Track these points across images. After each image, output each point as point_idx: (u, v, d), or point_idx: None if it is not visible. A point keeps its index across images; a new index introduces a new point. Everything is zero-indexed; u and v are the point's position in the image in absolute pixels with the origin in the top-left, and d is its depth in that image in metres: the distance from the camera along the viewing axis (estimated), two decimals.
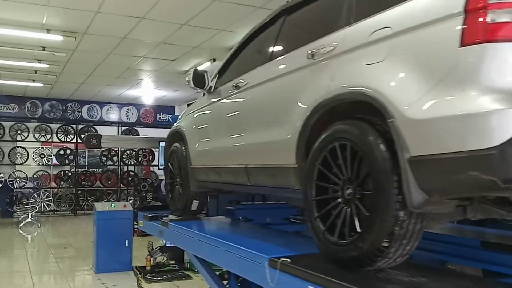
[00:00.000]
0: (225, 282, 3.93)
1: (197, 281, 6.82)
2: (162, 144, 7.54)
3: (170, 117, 17.41)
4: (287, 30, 3.28)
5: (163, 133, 16.06)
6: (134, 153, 15.80)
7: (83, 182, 15.67)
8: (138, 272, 7.01)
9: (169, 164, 4.88)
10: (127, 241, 7.24)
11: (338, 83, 2.43)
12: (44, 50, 8.83)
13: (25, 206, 12.98)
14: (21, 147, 15.14)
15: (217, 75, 4.15)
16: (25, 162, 15.05)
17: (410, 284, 2.18)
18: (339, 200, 2.39)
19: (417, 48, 2.06)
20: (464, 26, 1.85)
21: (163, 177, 15.34)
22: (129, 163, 15.96)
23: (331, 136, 2.44)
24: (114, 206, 7.36)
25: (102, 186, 15.95)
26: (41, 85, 12.64)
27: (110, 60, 9.84)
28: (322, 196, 2.51)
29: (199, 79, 4.10)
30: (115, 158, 15.94)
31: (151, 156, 15.30)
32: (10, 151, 15.04)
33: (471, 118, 1.79)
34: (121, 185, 16.03)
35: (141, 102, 15.96)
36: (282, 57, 3.09)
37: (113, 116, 16.46)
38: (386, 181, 2.09)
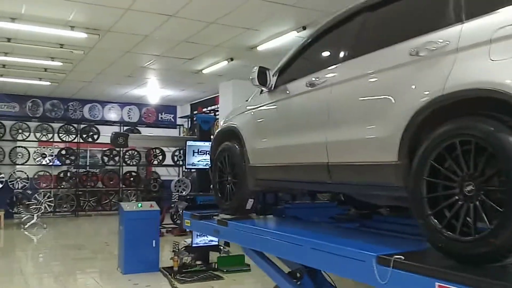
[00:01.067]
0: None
1: (229, 281, 6.77)
2: (189, 143, 7.51)
3: (172, 117, 17.34)
4: (371, 27, 3.27)
5: (165, 132, 16.05)
6: (136, 153, 15.62)
7: (84, 183, 15.46)
8: (168, 273, 6.93)
9: (218, 163, 4.84)
10: (154, 241, 7.14)
11: (458, 80, 2.42)
12: (61, 47, 8.68)
13: (30, 207, 12.74)
14: (22, 146, 14.87)
15: (278, 73, 4.12)
16: (26, 162, 14.79)
17: None
18: (457, 197, 2.40)
19: None
20: None
21: (165, 177, 15.40)
22: (131, 163, 15.77)
23: (450, 132, 2.43)
24: (141, 206, 7.26)
25: (103, 186, 15.76)
26: (48, 83, 12.43)
27: (126, 58, 9.73)
28: (435, 193, 2.50)
29: (262, 76, 4.07)
30: (116, 158, 15.75)
31: (161, 156, 15.10)
32: (11, 151, 14.77)
33: None
34: (123, 186, 15.85)
35: (143, 101, 15.83)
36: (373, 54, 3.06)
37: (114, 115, 16.28)
38: None
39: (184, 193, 11.63)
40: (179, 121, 17.08)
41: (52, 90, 13.83)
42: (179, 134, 16.55)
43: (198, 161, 7.54)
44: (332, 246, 2.96)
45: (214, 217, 4.67)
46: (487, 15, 2.39)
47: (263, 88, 4.20)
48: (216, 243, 7.55)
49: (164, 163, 15.26)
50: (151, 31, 7.78)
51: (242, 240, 4.10)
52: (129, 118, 16.47)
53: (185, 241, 7.80)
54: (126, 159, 15.76)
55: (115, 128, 16.19)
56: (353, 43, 3.31)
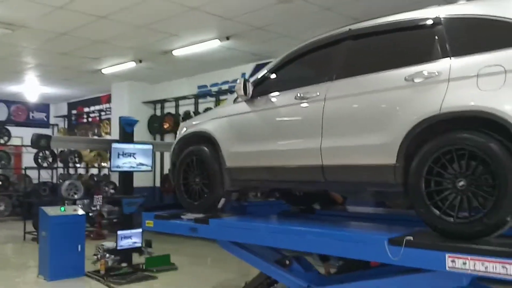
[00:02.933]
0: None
1: (164, 280, 6.94)
2: (115, 145, 7.47)
3: (45, 116, 16.25)
4: (367, 51, 3.97)
5: (36, 132, 14.96)
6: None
7: None
8: (97, 277, 6.83)
9: (183, 165, 5.11)
10: (79, 246, 6.96)
11: (452, 102, 3.22)
12: None
13: None
14: None
15: (255, 85, 4.60)
16: None
17: None
18: (450, 189, 3.20)
19: None
20: None
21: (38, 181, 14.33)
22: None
23: (447, 141, 3.22)
24: (64, 210, 6.99)
25: None
26: None
27: (24, 54, 9.13)
28: (434, 188, 3.28)
29: (244, 88, 4.52)
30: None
31: (77, 158, 13.98)
32: None
33: None
34: None
35: (15, 98, 14.59)
36: (370, 75, 3.75)
37: None
38: (511, 176, 2.96)
39: (76, 196, 11.19)
40: (53, 120, 16.08)
41: None
42: (53, 134, 15.59)
43: (123, 163, 7.50)
44: (343, 234, 3.59)
45: (182, 216, 4.97)
46: (472, 55, 3.24)
47: (240, 98, 4.64)
48: (140, 245, 7.61)
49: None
50: (67, 30, 7.53)
51: (228, 236, 4.49)
52: None
53: (102, 244, 7.69)
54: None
55: None
56: (348, 64, 3.97)
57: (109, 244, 7.55)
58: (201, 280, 6.87)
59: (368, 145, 3.65)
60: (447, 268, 3.01)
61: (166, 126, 11.63)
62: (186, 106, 11.48)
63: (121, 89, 12.09)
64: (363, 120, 3.73)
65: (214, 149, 4.84)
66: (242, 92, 4.50)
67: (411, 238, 3.23)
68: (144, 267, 7.35)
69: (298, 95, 4.16)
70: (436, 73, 3.35)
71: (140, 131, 10.43)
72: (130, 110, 11.91)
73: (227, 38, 8.12)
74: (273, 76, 4.60)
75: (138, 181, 10.80)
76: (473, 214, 3.10)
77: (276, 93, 4.43)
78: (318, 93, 4.02)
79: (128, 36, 8.07)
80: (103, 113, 13.85)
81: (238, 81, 4.60)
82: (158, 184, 11.89)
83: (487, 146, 3.05)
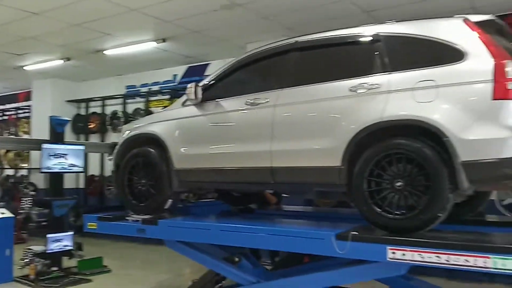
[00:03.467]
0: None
1: (99, 283, 6.83)
2: (45, 146, 7.24)
3: None
4: (309, 62, 4.28)
5: None
6: None
7: None
8: (26, 282, 6.58)
9: (128, 167, 5.14)
10: (8, 250, 6.66)
11: (391, 112, 3.62)
12: None
13: None
14: None
15: (204, 89, 4.76)
16: None
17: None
18: (390, 189, 3.61)
19: (462, 97, 3.43)
20: (494, 89, 3.32)
21: None
22: None
23: (387, 146, 3.62)
24: None
25: None
26: None
27: None
28: (374, 188, 3.67)
29: (195, 92, 4.67)
30: None
31: None
32: None
33: (498, 140, 3.27)
34: None
35: None
36: (315, 85, 4.07)
37: None
38: (443, 177, 3.40)
39: None
40: None
41: None
42: None
43: (54, 165, 7.25)
44: (294, 231, 3.88)
45: (127, 218, 5.01)
46: (408, 71, 3.67)
47: (190, 102, 4.79)
48: (71, 248, 7.42)
49: None
50: None
51: (178, 236, 4.62)
52: None
53: (29, 248, 7.41)
54: None
55: None
56: (297, 73, 4.27)
57: (37, 248, 7.29)
58: (137, 282, 6.87)
59: (316, 149, 3.97)
60: (388, 259, 3.40)
61: (91, 126, 11.33)
62: (113, 106, 11.27)
63: (44, 87, 11.58)
64: (311, 126, 4.04)
65: (162, 151, 4.93)
66: (193, 96, 4.65)
67: (357, 233, 3.60)
68: (76, 271, 7.18)
69: (249, 101, 4.40)
70: (377, 85, 3.74)
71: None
72: (53, 108, 11.45)
73: (164, 40, 8.17)
74: (222, 81, 4.80)
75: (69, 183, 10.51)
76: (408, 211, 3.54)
77: (226, 98, 4.63)
78: (268, 100, 4.28)
79: (60, 34, 7.82)
80: (20, 111, 13.15)
81: (189, 85, 4.74)
82: (82, 186, 11.52)
83: (421, 151, 3.48)
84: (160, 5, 6.54)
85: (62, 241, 7.29)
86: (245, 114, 4.44)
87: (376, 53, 3.90)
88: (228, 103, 4.60)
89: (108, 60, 9.41)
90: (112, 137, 10.94)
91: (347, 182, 3.82)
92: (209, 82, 4.83)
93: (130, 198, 5.15)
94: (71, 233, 7.48)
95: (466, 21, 3.70)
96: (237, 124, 4.50)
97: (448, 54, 3.60)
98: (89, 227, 5.28)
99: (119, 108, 11.11)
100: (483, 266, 3.11)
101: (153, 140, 5.03)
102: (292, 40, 4.47)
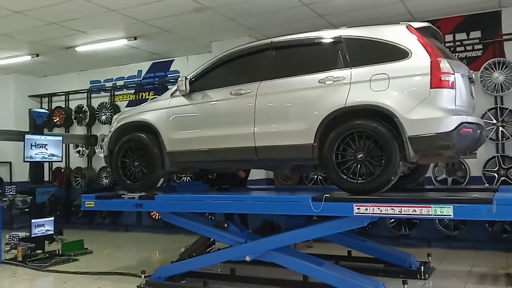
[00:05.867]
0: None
1: (86, 261, 7.35)
2: (28, 137, 7.68)
3: None
4: (284, 59, 5.17)
5: None
6: None
7: None
8: (17, 263, 7.05)
9: (121, 151, 5.81)
10: None
11: (353, 99, 4.57)
12: None
13: None
14: None
15: (190, 82, 5.53)
16: None
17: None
18: (354, 161, 4.56)
19: (408, 86, 4.43)
20: (431, 80, 4.35)
21: None
22: None
23: (350, 126, 4.57)
24: None
25: None
26: None
27: None
28: (340, 159, 4.61)
29: (185, 84, 5.44)
30: None
31: None
32: None
33: (435, 119, 4.30)
34: None
35: None
36: (290, 78, 4.96)
37: None
38: (394, 149, 4.39)
39: None
40: None
41: None
42: None
43: (36, 154, 7.68)
44: (277, 196, 4.76)
45: (123, 196, 5.71)
46: (366, 66, 4.64)
47: (180, 93, 5.54)
48: (52, 232, 7.91)
49: None
50: None
51: (174, 208, 5.41)
52: None
53: (12, 234, 7.82)
54: None
55: None
56: (274, 68, 5.14)
57: (19, 233, 7.73)
58: (119, 259, 7.48)
59: (292, 130, 4.87)
60: (354, 214, 4.36)
61: (56, 119, 11.64)
62: (77, 101, 11.65)
63: (6, 82, 11.72)
64: (288, 111, 4.94)
65: (154, 136, 5.66)
66: (184, 88, 5.42)
67: (328, 195, 4.54)
68: (59, 253, 7.69)
69: (233, 91, 5.23)
70: (342, 78, 4.69)
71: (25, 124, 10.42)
72: (16, 103, 11.70)
73: (135, 38, 8.76)
74: (207, 75, 5.59)
75: (21, 175, 10.82)
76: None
77: (212, 89, 5.43)
78: (250, 90, 5.13)
79: (34, 31, 8.20)
80: None
81: (179, 78, 5.54)
82: (47, 178, 11.80)
83: (377, 129, 4.45)
84: (139, 6, 7.17)
85: (44, 226, 7.78)
86: (230, 102, 5.27)
87: (339, 52, 4.85)
88: (214, 94, 5.41)
89: (76, 56, 9.84)
90: (78, 130, 11.39)
91: (319, 156, 4.76)
92: (195, 76, 5.61)
93: (124, 179, 5.84)
94: (52, 218, 7.99)
95: (408, 27, 4.73)
96: (224, 111, 5.32)
97: (396, 53, 4.60)
98: (87, 205, 5.91)
99: (83, 103, 11.50)
100: (426, 214, 4.15)
101: (145, 127, 5.75)
102: (268, 41, 5.34)
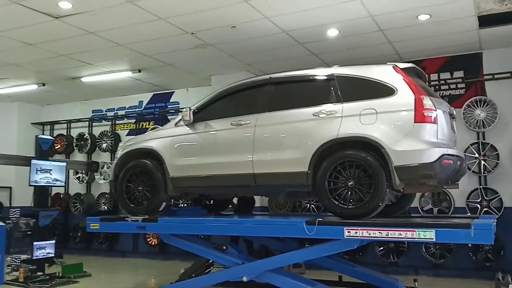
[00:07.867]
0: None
1: (85, 284, 7.60)
2: (34, 162, 8.02)
3: None
4: (281, 94, 5.61)
5: None
6: None
7: None
8: (24, 283, 7.27)
9: (126, 176, 6.17)
10: (0, 256, 7.32)
11: (344, 131, 5.00)
12: None
13: None
14: None
15: (194, 112, 5.96)
16: None
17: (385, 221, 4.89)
18: (344, 187, 4.96)
19: (394, 120, 4.88)
20: (415, 115, 4.80)
21: None
22: None
23: (341, 156, 4.98)
24: None
25: None
26: None
27: None
28: (333, 186, 5.00)
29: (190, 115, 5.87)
30: None
31: None
32: None
33: (418, 151, 4.73)
34: None
35: None
36: (287, 111, 5.39)
37: None
38: (382, 177, 4.80)
39: None
40: None
41: None
42: None
43: (40, 179, 8.00)
44: (273, 220, 5.11)
45: (127, 219, 6.03)
46: (356, 102, 5.09)
47: (184, 122, 5.95)
48: (52, 255, 8.15)
49: None
50: None
51: (176, 230, 5.72)
52: None
53: (12, 256, 8.07)
54: None
55: None
56: (271, 102, 5.57)
57: (20, 255, 7.97)
58: (118, 282, 7.73)
59: (288, 159, 5.27)
60: (345, 237, 4.72)
61: (57, 147, 11.99)
62: (78, 129, 12.04)
63: (10, 109, 12.13)
64: (285, 141, 5.35)
65: (158, 162, 6.04)
66: (188, 118, 5.84)
67: (321, 219, 4.91)
68: (60, 275, 7.92)
69: (234, 122, 5.66)
70: (334, 112, 5.14)
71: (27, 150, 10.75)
72: (18, 130, 12.07)
73: (139, 71, 9.25)
74: (209, 107, 6.02)
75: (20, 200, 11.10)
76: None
77: (214, 120, 5.86)
78: (250, 121, 5.56)
79: (43, 62, 8.68)
80: None
81: (184, 108, 5.96)
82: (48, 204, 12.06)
83: (366, 159, 4.87)
84: (145, 42, 7.68)
85: (45, 248, 8.04)
86: (231, 132, 5.68)
87: (332, 88, 5.31)
88: (216, 124, 5.83)
89: (81, 86, 10.29)
90: (79, 157, 11.73)
91: (312, 183, 5.15)
92: (199, 107, 6.05)
93: (128, 203, 6.18)
94: (53, 241, 8.25)
95: (394, 67, 5.21)
96: (225, 140, 5.72)
97: (383, 90, 5.07)
98: (92, 227, 6.22)
99: (85, 131, 11.89)
100: (411, 237, 4.52)
101: (150, 154, 6.13)
102: (267, 76, 5.81)
